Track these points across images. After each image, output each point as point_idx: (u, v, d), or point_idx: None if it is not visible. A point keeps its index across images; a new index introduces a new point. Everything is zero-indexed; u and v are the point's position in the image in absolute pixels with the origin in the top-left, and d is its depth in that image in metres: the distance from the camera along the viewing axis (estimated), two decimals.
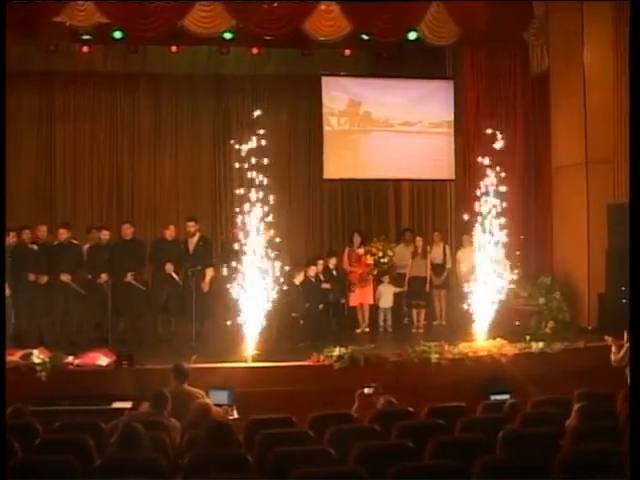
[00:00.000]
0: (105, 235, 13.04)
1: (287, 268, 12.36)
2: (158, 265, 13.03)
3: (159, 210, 16.64)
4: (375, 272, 14.44)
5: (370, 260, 14.32)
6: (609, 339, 10.31)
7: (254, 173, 11.20)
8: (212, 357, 10.90)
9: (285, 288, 12.14)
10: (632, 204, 7.18)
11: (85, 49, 15.17)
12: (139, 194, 16.80)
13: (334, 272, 13.97)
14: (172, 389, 8.17)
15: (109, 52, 15.85)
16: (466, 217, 12.68)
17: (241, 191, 11.28)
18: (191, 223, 13.22)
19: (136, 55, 15.53)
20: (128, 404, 9.39)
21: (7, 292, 11.17)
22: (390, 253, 14.78)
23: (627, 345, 9.91)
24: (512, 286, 12.83)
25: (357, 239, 14.53)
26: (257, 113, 11.64)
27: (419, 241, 14.76)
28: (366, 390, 8.72)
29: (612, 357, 10.10)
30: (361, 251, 14.32)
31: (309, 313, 13.03)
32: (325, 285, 13.53)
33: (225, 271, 11.50)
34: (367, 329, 14.18)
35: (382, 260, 14.62)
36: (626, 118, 13.56)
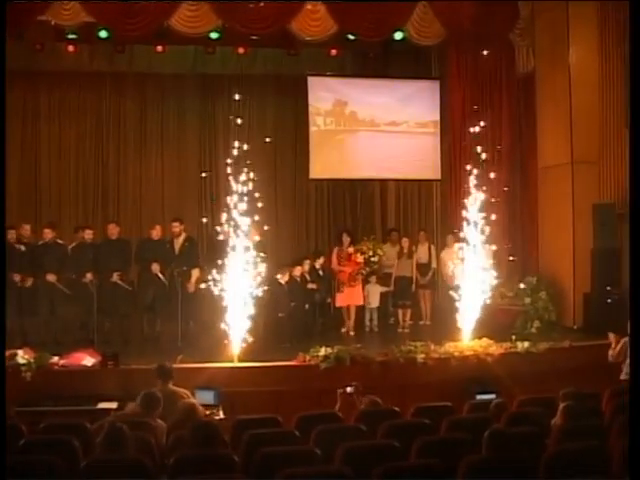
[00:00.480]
0: (89, 235, 12.99)
1: (273, 268, 12.38)
2: (144, 265, 13.00)
3: (145, 210, 16.57)
4: (365, 271, 14.35)
5: (360, 259, 14.20)
6: (611, 335, 10.34)
7: (240, 173, 11.18)
8: (198, 357, 10.90)
9: (271, 288, 12.15)
10: (632, 204, 7.20)
11: (71, 48, 15.08)
12: (125, 194, 16.72)
13: (320, 272, 13.95)
14: (157, 389, 8.13)
15: (95, 51, 15.77)
16: (451, 217, 12.69)
17: (227, 191, 11.25)
18: (176, 223, 13.19)
19: (122, 54, 15.46)
20: (114, 404, 9.36)
21: None
22: (380, 252, 14.72)
23: (624, 341, 9.97)
24: (498, 286, 12.86)
25: (346, 239, 14.43)
26: (238, 97, 11.59)
27: (405, 241, 14.76)
28: (348, 389, 8.72)
29: (610, 352, 10.15)
30: (351, 250, 14.20)
31: (295, 313, 13.03)
32: (311, 285, 13.50)
33: (211, 271, 11.46)
34: (352, 332, 13.98)
35: (372, 259, 14.56)
36: (612, 119, 13.67)
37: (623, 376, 9.77)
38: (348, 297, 14.10)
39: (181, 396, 8.31)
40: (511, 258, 13.26)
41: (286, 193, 17.41)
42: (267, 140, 11.25)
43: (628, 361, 9.72)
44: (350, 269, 14.05)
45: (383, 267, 14.87)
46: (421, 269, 14.63)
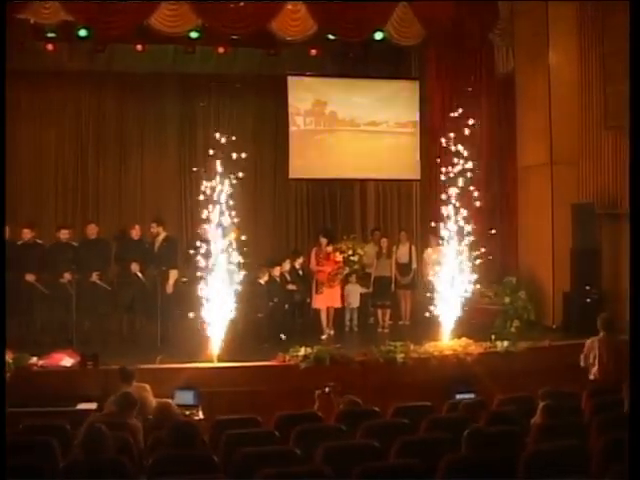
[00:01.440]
0: (65, 234, 12.90)
1: (253, 268, 12.36)
2: (123, 265, 12.95)
3: (124, 209, 16.50)
4: (345, 271, 14.20)
5: (339, 258, 14.05)
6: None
7: (219, 173, 11.16)
8: (177, 357, 10.87)
9: (250, 288, 12.13)
10: (632, 204, 7.23)
11: (50, 47, 14.94)
12: (104, 193, 16.64)
13: (300, 272, 13.93)
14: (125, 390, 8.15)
15: (74, 50, 15.67)
16: (431, 217, 12.71)
17: (207, 190, 11.23)
18: (154, 224, 13.15)
19: (102, 54, 15.36)
20: (93, 405, 9.32)
21: None
22: (360, 252, 14.63)
23: (588, 342, 10.02)
24: (477, 285, 12.89)
25: (323, 240, 14.18)
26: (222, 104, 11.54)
27: (384, 241, 14.75)
28: (326, 390, 8.71)
29: (581, 356, 10.18)
30: (329, 249, 13.99)
31: (274, 313, 13.01)
32: (291, 287, 13.46)
33: (190, 271, 11.43)
34: (332, 332, 13.85)
35: (352, 258, 14.46)
36: (591, 119, 13.73)
37: (591, 376, 9.84)
38: (327, 299, 13.85)
39: (145, 390, 8.40)
40: (490, 257, 13.23)
41: (266, 193, 17.40)
42: (242, 156, 11.22)
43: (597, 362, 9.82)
44: (329, 269, 13.85)
45: (365, 267, 14.84)
46: (402, 269, 14.63)
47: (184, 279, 11.41)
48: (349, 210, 17.88)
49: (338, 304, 13.99)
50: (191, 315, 11.27)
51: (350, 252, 14.48)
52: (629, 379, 6.49)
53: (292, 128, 16.00)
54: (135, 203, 16.64)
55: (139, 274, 12.77)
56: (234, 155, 11.25)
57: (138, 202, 16.69)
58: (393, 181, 17.33)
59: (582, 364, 10.06)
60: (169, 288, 12.65)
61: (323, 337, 13.51)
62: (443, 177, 12.71)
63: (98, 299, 12.67)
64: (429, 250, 14.38)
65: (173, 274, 12.72)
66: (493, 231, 13.27)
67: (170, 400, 8.22)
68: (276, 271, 13.31)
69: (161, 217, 13.75)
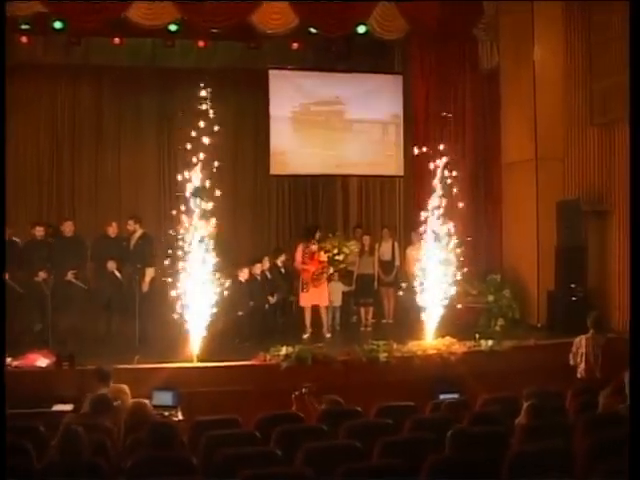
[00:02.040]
0: (39, 231, 12.81)
1: (233, 265, 12.34)
2: (100, 263, 12.89)
3: (101, 206, 16.44)
4: (330, 271, 14.04)
5: (323, 257, 13.86)
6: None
7: (199, 168, 11.13)
8: (156, 357, 10.85)
9: (230, 286, 12.10)
10: (632, 204, 7.24)
11: (24, 40, 14.87)
12: (80, 189, 16.58)
13: (282, 270, 13.92)
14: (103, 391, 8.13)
15: (49, 43, 15.60)
16: (415, 214, 12.72)
17: (186, 186, 11.19)
18: (130, 221, 13.11)
19: (78, 47, 15.31)
20: (69, 406, 9.27)
21: None
22: (346, 250, 14.46)
23: (576, 340, 10.07)
24: (461, 284, 12.93)
25: (316, 236, 14.08)
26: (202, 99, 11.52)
27: (366, 239, 14.73)
28: (303, 390, 8.72)
29: (570, 355, 10.23)
30: (314, 247, 13.82)
31: (255, 311, 13.00)
32: (271, 299, 13.38)
33: (168, 269, 11.40)
34: (328, 334, 13.71)
35: (337, 257, 14.30)
36: (576, 116, 13.81)
37: (578, 375, 9.90)
38: (313, 297, 13.74)
39: (124, 392, 8.37)
40: (473, 255, 13.25)
41: (246, 189, 17.39)
42: (222, 151, 11.22)
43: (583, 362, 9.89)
44: (313, 268, 13.72)
45: (347, 265, 14.81)
46: (384, 267, 14.64)
47: (168, 279, 11.35)
48: (331, 207, 17.89)
49: (325, 302, 13.86)
50: (176, 316, 11.21)
51: (335, 251, 14.29)
52: (629, 379, 6.55)
53: (273, 123, 15.98)
54: (112, 200, 16.57)
55: (116, 272, 12.73)
56: (214, 150, 11.19)
57: (115, 199, 16.62)
58: (376, 177, 17.37)
59: (571, 362, 10.13)
60: (145, 286, 12.60)
61: (305, 336, 13.43)
62: (426, 173, 12.70)
63: (74, 298, 12.60)
64: (412, 247, 14.38)
65: (149, 272, 12.68)
66: (469, 238, 13.27)
67: (146, 400, 8.18)
68: (257, 269, 13.28)
69: (138, 214, 13.71)
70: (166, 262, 11.88)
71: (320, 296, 13.77)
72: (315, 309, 13.81)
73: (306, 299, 13.75)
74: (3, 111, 9.67)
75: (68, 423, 6.62)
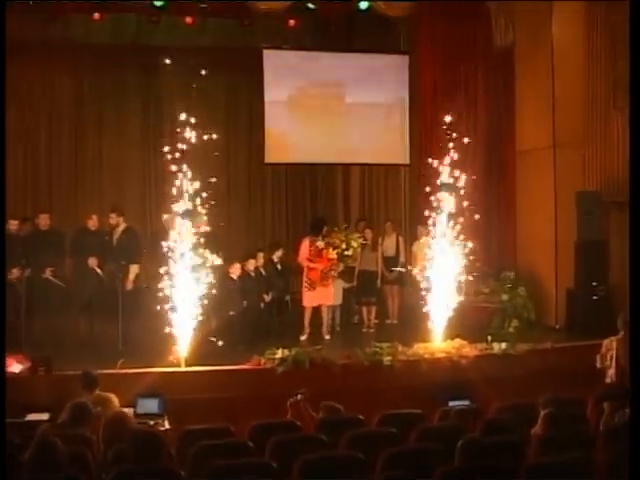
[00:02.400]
0: (13, 225, 12.76)
1: (224, 261, 12.34)
2: (79, 259, 12.87)
3: (80, 197, 16.42)
4: (341, 267, 14.00)
5: (333, 254, 13.71)
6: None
7: (187, 156, 11.11)
8: (140, 361, 10.79)
9: (222, 283, 12.11)
10: (632, 201, 7.24)
11: None
12: (58, 179, 16.56)
13: (278, 266, 13.91)
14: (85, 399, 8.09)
15: (24, 19, 15.54)
16: (421, 206, 12.70)
17: (173, 176, 11.17)
18: (112, 214, 12.99)
19: (55, 23, 15.27)
20: (45, 415, 9.24)
21: None
22: (354, 244, 14.14)
23: (606, 342, 10.04)
24: (472, 281, 12.91)
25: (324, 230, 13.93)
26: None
27: (368, 232, 14.73)
28: (298, 397, 8.70)
29: (597, 357, 10.21)
30: (321, 244, 13.69)
31: (248, 311, 12.99)
32: (266, 297, 13.39)
33: (154, 265, 11.38)
34: (328, 336, 13.68)
35: (346, 253, 14.05)
36: (598, 98, 13.75)
37: (607, 379, 9.87)
38: (319, 296, 13.67)
39: (111, 401, 8.34)
40: (477, 216, 13.07)
41: (239, 179, 17.43)
42: (213, 137, 11.19)
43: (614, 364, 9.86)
44: (322, 266, 13.62)
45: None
46: (388, 263, 14.67)
47: (155, 277, 11.33)
48: (331, 198, 17.93)
49: (331, 301, 13.88)
50: (162, 317, 11.18)
51: (344, 246, 13.99)
52: (630, 380, 6.54)
53: (268, 107, 15.95)
54: (93, 190, 16.55)
55: (97, 269, 12.70)
56: (204, 137, 11.19)
57: (96, 189, 16.59)
58: (379, 166, 17.37)
59: (598, 365, 10.09)
60: (129, 284, 12.56)
61: (303, 337, 13.41)
62: (434, 162, 12.66)
63: (51, 297, 12.57)
64: (418, 242, 14.36)
65: (134, 269, 12.64)
66: (477, 216, 13.17)
67: (128, 409, 8.17)
68: (250, 265, 13.29)
69: (121, 206, 13.63)
70: (152, 258, 11.90)
71: (326, 295, 13.76)
72: (315, 308, 13.79)
73: (312, 298, 13.68)
74: (3, 108, 9.69)
75: (44, 434, 6.59)
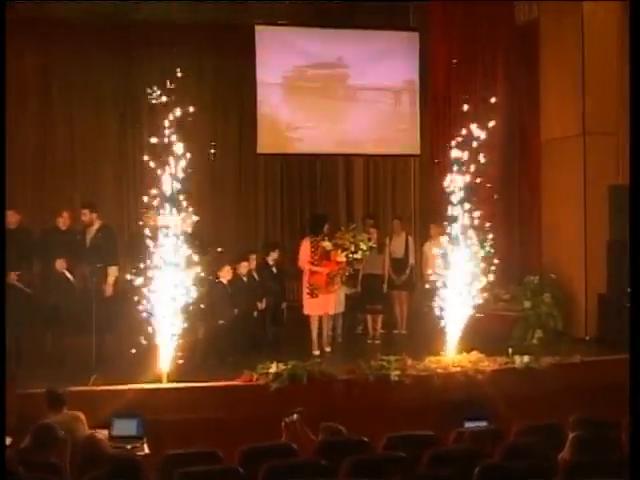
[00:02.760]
0: None
1: (213, 264, 12.31)
2: (48, 262, 12.81)
3: (49, 192, 16.36)
4: (347, 273, 13.86)
5: (342, 257, 13.58)
6: None
7: (171, 146, 11.07)
8: (116, 377, 10.78)
9: (210, 289, 12.16)
10: (632, 203, 7.23)
11: None
12: (24, 171, 16.46)
13: (274, 269, 13.87)
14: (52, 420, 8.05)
15: None
16: (433, 202, 12.66)
17: (154, 168, 11.14)
18: (85, 210, 12.93)
19: None
20: (7, 440, 9.19)
21: None
22: (363, 247, 13.98)
23: None
24: (491, 286, 12.86)
25: (317, 232, 13.72)
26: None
27: (373, 232, 14.61)
28: (294, 416, 8.67)
29: None
30: (327, 245, 13.52)
31: (240, 320, 12.96)
32: (260, 305, 13.36)
33: (134, 269, 11.35)
34: (328, 348, 13.57)
35: (355, 256, 13.90)
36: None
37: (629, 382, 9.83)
38: (323, 304, 13.55)
39: (81, 421, 8.32)
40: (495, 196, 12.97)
41: (228, 172, 17.36)
42: (200, 125, 11.15)
43: None
44: (327, 269, 13.47)
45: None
46: (396, 266, 14.64)
47: (134, 282, 11.30)
48: (332, 193, 17.87)
49: (333, 309, 13.82)
50: (142, 327, 11.15)
51: (352, 248, 13.84)
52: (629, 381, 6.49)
53: (261, 92, 15.94)
54: (63, 183, 16.47)
55: (67, 273, 12.64)
56: (188, 124, 11.16)
57: (67, 180, 16.51)
58: (386, 157, 17.34)
59: None
60: (108, 289, 12.54)
61: (316, 352, 13.31)
62: (448, 153, 12.62)
63: (16, 305, 12.49)
64: (430, 242, 14.33)
65: (112, 272, 12.58)
66: (495, 196, 13.06)
67: (103, 431, 8.13)
68: (242, 268, 13.26)
69: (95, 201, 13.59)
70: (131, 260, 11.87)
71: (329, 303, 13.66)
72: (325, 318, 13.72)
73: (314, 306, 13.56)
74: (3, 106, 9.68)
75: (5, 460, 6.54)
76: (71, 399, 8.93)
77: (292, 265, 14.05)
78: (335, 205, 17.72)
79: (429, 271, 13.67)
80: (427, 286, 13.23)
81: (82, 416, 8.51)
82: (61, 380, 9.90)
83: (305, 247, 13.61)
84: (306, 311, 13.61)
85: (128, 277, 11.43)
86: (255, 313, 13.35)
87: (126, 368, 11.18)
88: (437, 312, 12.59)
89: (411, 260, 14.73)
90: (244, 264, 13.31)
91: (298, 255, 13.61)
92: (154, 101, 11.21)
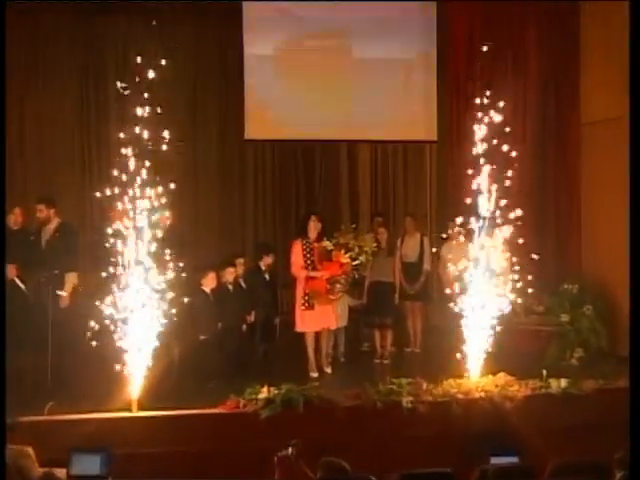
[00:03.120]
0: None
1: (192, 270, 12.27)
2: None
3: None
4: (348, 278, 13.70)
5: (345, 259, 13.49)
6: None
7: (144, 131, 11.01)
8: (77, 404, 10.74)
9: (189, 299, 12.14)
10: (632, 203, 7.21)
11: None
12: None
13: (266, 276, 13.84)
14: None
15: None
16: (453, 197, 12.59)
17: (124, 158, 11.05)
18: (41, 206, 12.91)
19: None
20: None
21: None
22: (367, 249, 13.88)
23: None
24: (522, 296, 12.79)
25: (316, 225, 13.59)
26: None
27: (382, 232, 14.59)
28: (289, 450, 8.60)
29: None
30: (328, 244, 13.45)
31: (225, 336, 12.97)
32: (249, 318, 13.38)
33: (97, 275, 11.28)
34: (329, 369, 13.61)
35: (359, 258, 13.79)
36: None
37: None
38: (320, 317, 13.49)
39: (30, 459, 8.23)
40: (540, 254, 13.02)
41: (210, 161, 17.35)
42: (177, 106, 11.10)
43: None
44: (327, 274, 13.39)
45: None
46: (408, 272, 14.71)
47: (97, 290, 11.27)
48: (332, 186, 17.83)
49: (334, 324, 13.78)
50: (108, 344, 11.09)
51: (356, 250, 13.75)
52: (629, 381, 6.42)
53: (249, 68, 15.98)
54: (14, 176, 16.39)
55: (17, 281, 12.56)
56: (164, 106, 11.15)
57: (19, 172, 16.47)
58: (396, 143, 17.32)
59: None
60: (64, 300, 12.48)
61: (314, 375, 13.33)
62: (470, 138, 12.54)
63: None
64: (449, 244, 14.32)
65: (70, 279, 12.55)
66: (527, 189, 12.94)
67: (57, 470, 8.04)
68: (228, 274, 13.26)
69: (52, 196, 13.56)
70: (94, 265, 11.81)
71: (329, 315, 13.59)
72: (325, 334, 13.72)
73: (310, 321, 13.50)
74: (3, 108, 9.63)
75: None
76: (23, 431, 8.90)
77: (287, 271, 13.96)
78: (337, 201, 17.71)
79: (447, 278, 13.62)
80: (446, 294, 13.19)
81: (31, 452, 8.41)
82: (9, 407, 9.84)
83: (296, 250, 13.55)
84: (299, 327, 13.54)
85: (91, 285, 11.36)
86: (244, 327, 13.36)
87: (88, 393, 11.11)
88: (457, 326, 12.50)
89: (426, 265, 14.79)
90: (230, 270, 13.30)
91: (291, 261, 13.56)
92: (120, 84, 11.16)
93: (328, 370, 13.55)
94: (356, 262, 13.76)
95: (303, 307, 13.42)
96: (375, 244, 14.17)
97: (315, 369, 13.40)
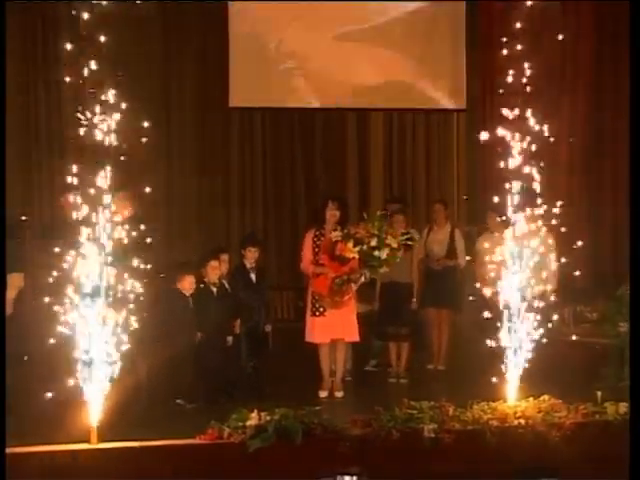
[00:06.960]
0: None
1: (165, 268, 12.32)
2: None
3: None
4: (367, 275, 13.55)
5: (354, 252, 13.26)
6: None
7: (104, 95, 10.94)
8: (26, 435, 10.65)
9: (162, 304, 12.31)
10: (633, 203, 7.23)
11: None
12: None
13: (252, 276, 13.83)
14: None
15: None
16: (489, 179, 12.58)
17: (81, 129, 11.01)
18: None
19: None
20: None
21: None
22: (392, 242, 13.53)
23: None
24: (571, 302, 12.80)
25: (334, 212, 13.53)
26: None
27: (400, 221, 14.51)
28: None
29: None
30: (335, 235, 13.30)
31: (206, 348, 13.00)
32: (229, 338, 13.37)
33: (47, 276, 11.28)
34: (340, 393, 13.58)
35: (375, 253, 13.44)
36: None
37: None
38: (333, 325, 13.44)
39: None
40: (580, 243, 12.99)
41: (187, 135, 17.32)
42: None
43: None
44: (333, 272, 13.27)
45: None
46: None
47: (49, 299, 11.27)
48: (339, 163, 17.81)
49: (354, 336, 13.68)
50: (62, 361, 11.10)
51: (374, 242, 13.43)
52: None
53: (235, 23, 16.00)
54: None
55: None
56: (130, 70, 11.19)
57: None
58: (417, 111, 17.29)
59: None
60: (8, 305, 12.45)
61: (323, 394, 13.46)
62: (508, 109, 12.49)
63: None
64: (488, 238, 14.21)
65: (14, 281, 12.54)
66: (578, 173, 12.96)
67: None
68: (211, 271, 13.23)
69: None
70: (43, 264, 11.82)
71: (342, 323, 13.47)
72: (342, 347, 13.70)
73: (322, 330, 13.51)
74: (3, 110, 9.59)
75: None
76: None
77: (281, 269, 13.98)
78: (343, 180, 17.71)
79: (484, 279, 13.57)
80: (478, 299, 13.20)
81: None
82: None
83: (307, 243, 13.61)
84: (309, 337, 13.61)
85: (40, 290, 11.37)
86: (229, 339, 13.36)
87: (39, 422, 11.13)
88: (491, 339, 12.48)
89: (460, 261, 14.86)
90: (213, 265, 13.24)
91: (289, 254, 13.57)
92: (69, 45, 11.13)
93: (339, 394, 13.54)
94: (377, 253, 13.40)
95: (312, 312, 13.47)
96: (404, 239, 13.90)
97: (326, 386, 13.47)
